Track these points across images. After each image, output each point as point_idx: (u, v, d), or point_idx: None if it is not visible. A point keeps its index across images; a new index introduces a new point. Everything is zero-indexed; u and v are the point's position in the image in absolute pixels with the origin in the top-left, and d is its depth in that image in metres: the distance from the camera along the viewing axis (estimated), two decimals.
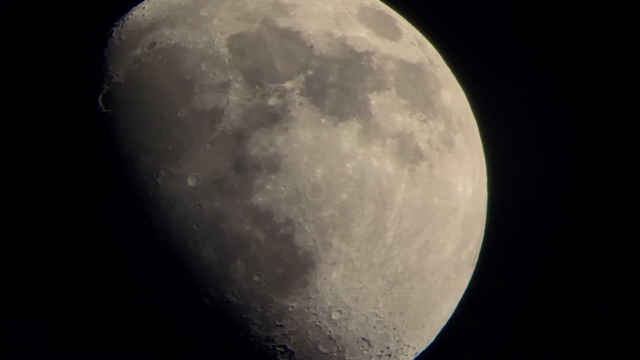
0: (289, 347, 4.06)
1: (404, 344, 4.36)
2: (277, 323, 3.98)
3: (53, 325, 4.41)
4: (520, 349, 6.44)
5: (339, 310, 4.02)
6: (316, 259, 3.90)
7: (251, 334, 3.99)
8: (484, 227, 4.61)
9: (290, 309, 3.95)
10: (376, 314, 4.11)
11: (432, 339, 4.65)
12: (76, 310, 4.24)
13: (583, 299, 6.47)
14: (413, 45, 4.38)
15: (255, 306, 3.93)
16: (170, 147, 3.89)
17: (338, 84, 4.02)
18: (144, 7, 4.42)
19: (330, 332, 4.06)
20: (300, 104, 3.94)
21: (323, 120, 3.94)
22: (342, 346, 4.13)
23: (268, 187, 3.84)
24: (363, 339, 4.16)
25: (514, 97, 6.54)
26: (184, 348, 4.07)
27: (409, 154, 4.06)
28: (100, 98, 4.09)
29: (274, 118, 3.90)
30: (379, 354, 4.29)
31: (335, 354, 4.15)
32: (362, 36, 4.21)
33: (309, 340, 4.05)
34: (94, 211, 3.98)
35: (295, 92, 3.95)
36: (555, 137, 6.56)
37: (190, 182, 3.86)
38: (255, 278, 3.88)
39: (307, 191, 3.87)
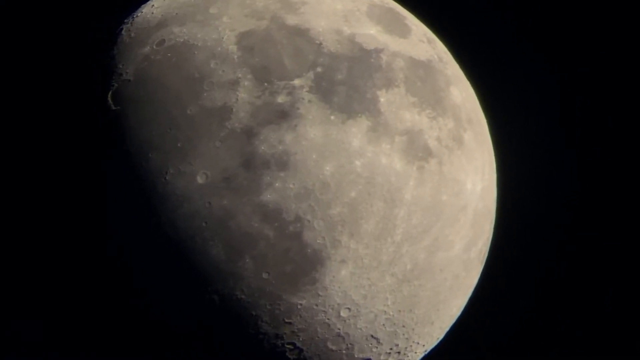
0: (298, 344, 4.06)
1: (413, 342, 4.36)
2: (286, 320, 3.98)
3: (55, 325, 4.42)
4: (529, 347, 6.43)
5: (348, 308, 4.02)
6: (325, 257, 3.91)
7: (260, 331, 3.99)
8: (493, 225, 4.61)
9: (299, 307, 3.96)
10: (385, 312, 4.11)
11: (441, 337, 4.65)
12: (82, 308, 4.25)
13: (592, 297, 6.46)
14: (422, 43, 4.37)
15: (264, 303, 3.93)
16: (179, 145, 3.90)
17: (347, 82, 4.02)
18: (153, 5, 4.42)
19: (339, 329, 4.06)
20: (309, 101, 3.94)
21: (332, 117, 3.94)
22: (351, 343, 4.13)
23: (277, 184, 3.85)
24: (372, 336, 4.16)
25: (524, 94, 6.52)
26: (192, 345, 4.08)
27: (418, 151, 4.05)
28: (109, 95, 4.10)
29: (282, 115, 3.90)
30: (388, 351, 4.29)
31: (344, 351, 4.15)
32: (371, 33, 4.21)
33: (318, 337, 4.06)
34: (103, 208, 3.99)
35: (304, 90, 3.95)
36: (565, 134, 6.55)
37: (199, 179, 3.87)
38: (264, 275, 3.89)
39: (316, 188, 3.87)
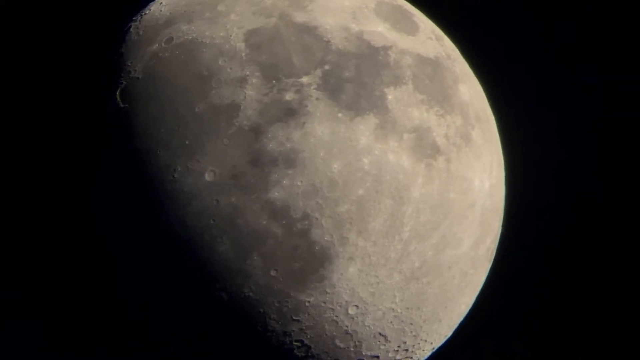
0: (306, 341, 4.06)
1: (421, 339, 4.36)
2: (294, 318, 3.98)
3: (61, 324, 4.43)
4: (537, 345, 6.42)
5: (356, 305, 4.02)
6: (333, 254, 3.91)
7: (268, 328, 4.00)
8: (501, 222, 4.60)
9: (307, 304, 3.96)
10: (393, 309, 4.11)
11: (449, 334, 4.65)
12: (88, 306, 4.26)
13: (600, 294, 6.44)
14: (430, 40, 4.36)
15: (272, 301, 3.94)
16: (187, 142, 3.90)
17: (355, 79, 4.02)
18: (161, 2, 4.43)
19: (347, 327, 4.06)
20: (317, 98, 3.94)
21: (340, 115, 3.94)
22: (358, 341, 4.13)
23: (285, 182, 3.85)
24: (380, 333, 4.16)
25: (532, 91, 6.51)
26: (201, 343, 4.09)
27: (425, 148, 4.05)
28: (118, 93, 4.11)
29: (290, 113, 3.90)
30: (396, 349, 4.29)
31: (352, 349, 4.15)
32: (379, 31, 4.21)
33: (326, 335, 4.06)
34: (111, 206, 4.00)
35: (312, 87, 3.95)
36: (573, 132, 6.54)
37: (208, 177, 3.87)
38: (272, 273, 3.89)
39: (323, 186, 3.87)
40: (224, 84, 3.95)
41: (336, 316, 4.02)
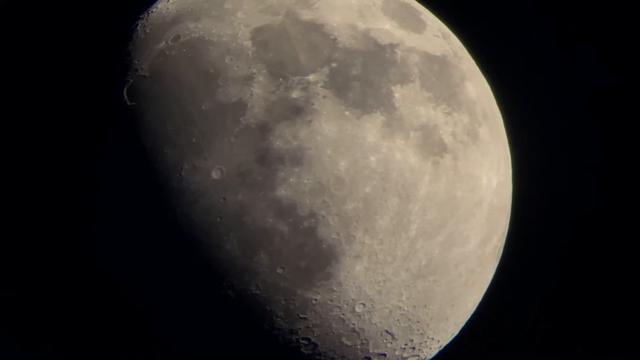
0: (313, 339, 4.06)
1: (428, 337, 4.35)
2: (301, 315, 3.99)
3: (61, 324, 4.44)
4: (544, 343, 6.41)
5: (363, 303, 4.02)
6: (340, 252, 3.91)
7: (275, 326, 4.00)
8: (508, 220, 4.59)
9: (313, 302, 3.96)
10: (400, 307, 4.11)
11: (456, 332, 4.65)
12: (95, 303, 4.26)
13: (607, 293, 6.43)
14: (437, 38, 4.36)
15: (278, 299, 3.94)
16: (194, 140, 3.91)
17: (362, 77, 4.01)
18: (168, 1, 4.43)
19: (353, 324, 4.06)
20: (324, 96, 3.94)
21: (347, 113, 3.94)
22: (365, 339, 4.13)
23: (291, 180, 3.85)
24: (387, 331, 4.16)
25: (539, 89, 6.50)
26: (207, 341, 4.09)
27: (432, 146, 4.05)
28: (125, 91, 4.11)
29: (297, 111, 3.90)
30: (403, 346, 4.28)
31: (358, 347, 4.15)
32: (386, 28, 4.20)
33: (333, 333, 4.06)
34: (117, 204, 4.01)
35: (318, 85, 3.95)
36: (580, 130, 6.52)
37: (214, 175, 3.88)
38: (279, 270, 3.89)
39: (330, 184, 3.87)
40: (230, 82, 3.95)
41: (343, 314, 4.02)
